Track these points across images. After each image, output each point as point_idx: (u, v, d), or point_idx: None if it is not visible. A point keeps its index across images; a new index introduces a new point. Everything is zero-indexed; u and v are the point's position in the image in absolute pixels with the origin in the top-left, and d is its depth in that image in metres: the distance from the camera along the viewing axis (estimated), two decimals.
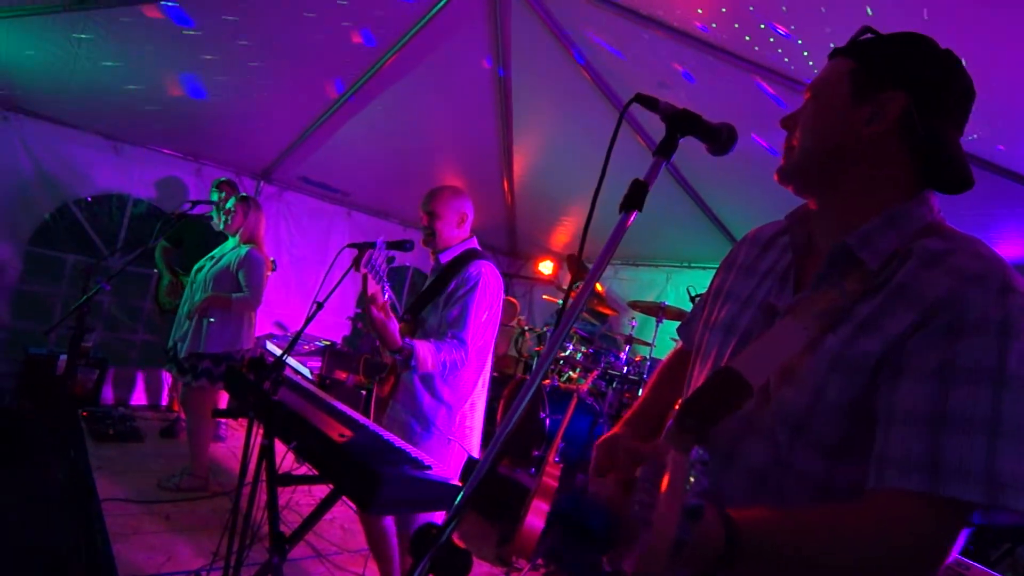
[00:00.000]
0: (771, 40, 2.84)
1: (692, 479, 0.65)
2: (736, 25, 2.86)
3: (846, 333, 0.87)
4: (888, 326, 0.84)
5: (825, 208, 1.01)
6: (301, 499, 3.56)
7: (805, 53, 2.81)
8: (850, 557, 0.77)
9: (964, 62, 0.95)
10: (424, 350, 2.18)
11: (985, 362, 0.77)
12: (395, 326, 2.14)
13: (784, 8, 2.62)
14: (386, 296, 2.14)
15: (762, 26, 2.77)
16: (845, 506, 0.83)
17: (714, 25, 2.92)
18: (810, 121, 1.00)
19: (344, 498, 1.92)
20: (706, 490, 0.64)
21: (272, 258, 4.46)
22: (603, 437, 1.12)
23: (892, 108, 0.92)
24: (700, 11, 2.86)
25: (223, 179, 4.32)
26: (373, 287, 2.12)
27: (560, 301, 5.82)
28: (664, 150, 0.95)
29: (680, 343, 1.36)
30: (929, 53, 0.95)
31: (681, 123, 0.95)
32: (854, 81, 0.96)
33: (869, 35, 0.99)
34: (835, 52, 1.02)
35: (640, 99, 0.96)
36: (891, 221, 0.92)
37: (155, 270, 5.10)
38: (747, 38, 2.89)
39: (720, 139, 0.99)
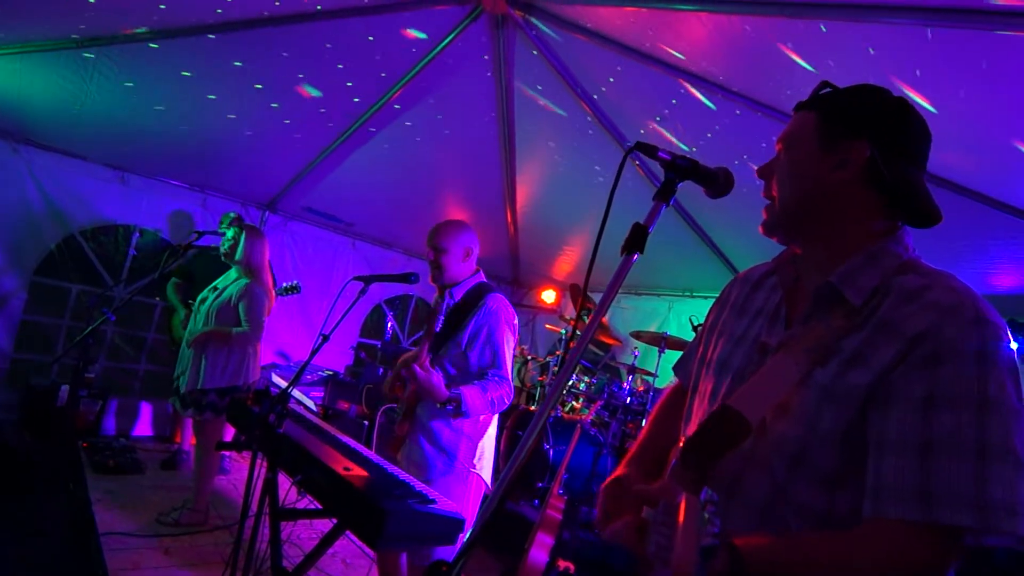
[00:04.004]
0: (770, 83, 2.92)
1: (706, 518, 0.67)
2: (728, 61, 2.95)
3: (835, 367, 0.92)
4: (873, 360, 0.89)
5: (809, 251, 1.07)
6: (302, 532, 3.53)
7: (789, 92, 2.90)
8: None
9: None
10: (472, 395, 2.20)
11: (966, 388, 0.82)
12: (439, 379, 2.16)
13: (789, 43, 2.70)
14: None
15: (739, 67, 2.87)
16: (845, 535, 0.86)
17: (716, 66, 3.00)
18: (784, 172, 1.07)
19: (347, 532, 1.91)
20: (719, 533, 0.67)
21: (295, 281, 4.45)
22: (608, 480, 1.14)
23: (856, 156, 0.99)
24: (697, 51, 2.94)
25: (232, 214, 4.37)
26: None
27: (563, 331, 5.81)
28: (663, 195, 0.99)
29: (677, 380, 1.39)
30: (884, 102, 1.02)
31: (680, 169, 1.00)
32: (819, 133, 1.03)
33: (828, 89, 1.07)
34: (799, 106, 1.10)
35: (640, 147, 1.00)
36: (871, 259, 0.98)
37: (157, 299, 5.14)
38: (747, 70, 2.96)
39: (717, 183, 1.04)
